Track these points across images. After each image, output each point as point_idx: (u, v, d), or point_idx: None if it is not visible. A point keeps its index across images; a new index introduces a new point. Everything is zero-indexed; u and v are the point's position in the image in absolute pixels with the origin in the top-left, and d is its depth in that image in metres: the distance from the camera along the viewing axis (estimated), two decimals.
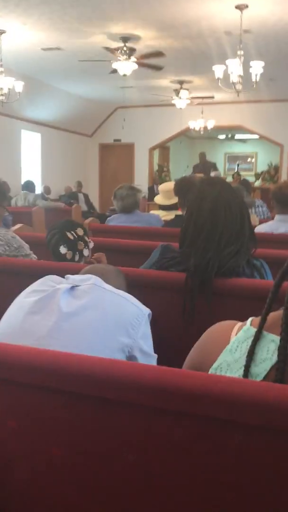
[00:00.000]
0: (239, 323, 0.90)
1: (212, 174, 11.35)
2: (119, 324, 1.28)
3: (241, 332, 0.86)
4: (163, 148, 13.13)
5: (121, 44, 6.47)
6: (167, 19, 5.70)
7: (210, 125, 10.29)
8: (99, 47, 6.67)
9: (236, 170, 12.81)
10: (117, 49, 6.48)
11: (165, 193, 4.38)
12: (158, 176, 12.20)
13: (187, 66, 7.79)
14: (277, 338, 0.82)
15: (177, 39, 6.47)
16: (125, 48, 6.48)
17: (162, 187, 4.55)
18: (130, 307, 1.33)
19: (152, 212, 4.93)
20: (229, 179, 11.70)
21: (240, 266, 1.79)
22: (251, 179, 12.36)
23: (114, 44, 6.51)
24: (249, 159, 14.65)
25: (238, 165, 13.25)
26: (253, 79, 5.83)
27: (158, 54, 6.61)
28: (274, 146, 11.20)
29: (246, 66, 5.78)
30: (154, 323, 1.97)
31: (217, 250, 1.78)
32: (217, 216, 1.81)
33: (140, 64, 6.70)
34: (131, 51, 6.53)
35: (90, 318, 1.27)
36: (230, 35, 5.95)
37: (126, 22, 5.86)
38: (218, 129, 11.64)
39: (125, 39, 6.41)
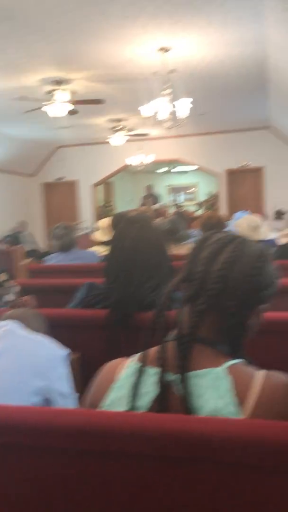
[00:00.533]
0: (128, 360, 0.96)
1: (157, 206, 11.69)
2: (33, 368, 1.31)
3: (127, 369, 0.92)
4: (107, 183, 13.35)
5: (55, 87, 6.64)
6: (96, 63, 5.92)
7: (148, 160, 10.59)
8: (33, 91, 6.81)
9: (176, 202, 13.30)
10: (49, 92, 6.64)
11: (103, 229, 4.46)
12: (104, 211, 12.35)
13: (120, 106, 8.06)
14: (158, 371, 0.88)
15: (108, 81, 6.71)
16: (58, 91, 6.65)
17: (99, 223, 4.63)
18: (45, 350, 1.37)
19: (93, 248, 4.99)
20: (173, 209, 12.04)
21: (159, 300, 1.86)
22: (193, 208, 12.76)
23: (47, 88, 6.67)
24: (191, 190, 15.13)
25: (177, 197, 13.77)
26: (180, 116, 6.11)
27: (97, 101, 6.81)
28: (213, 176, 11.64)
29: (176, 103, 6.06)
30: (83, 361, 1.99)
31: (137, 285, 1.86)
32: (137, 253, 1.90)
33: (78, 103, 6.86)
34: (64, 93, 6.71)
35: (3, 364, 1.29)
36: (157, 75, 6.24)
37: (57, 67, 6.04)
38: (158, 163, 11.99)
39: (57, 82, 6.59)
